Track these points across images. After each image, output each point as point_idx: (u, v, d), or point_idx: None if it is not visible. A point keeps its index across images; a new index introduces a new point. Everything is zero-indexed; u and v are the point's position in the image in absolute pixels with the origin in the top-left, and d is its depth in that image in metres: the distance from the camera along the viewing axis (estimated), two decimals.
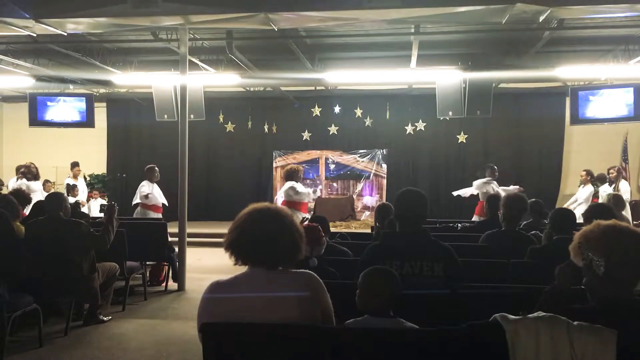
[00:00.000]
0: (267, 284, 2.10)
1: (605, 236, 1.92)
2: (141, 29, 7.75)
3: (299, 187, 7.63)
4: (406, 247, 2.92)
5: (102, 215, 6.09)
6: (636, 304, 1.90)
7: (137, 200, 8.37)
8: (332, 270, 3.40)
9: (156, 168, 8.49)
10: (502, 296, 2.94)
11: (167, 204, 8.55)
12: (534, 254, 3.80)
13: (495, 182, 8.53)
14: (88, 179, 12.80)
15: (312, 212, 9.44)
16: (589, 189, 9.39)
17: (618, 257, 1.88)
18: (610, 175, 9.17)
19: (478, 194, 8.66)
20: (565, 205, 9.20)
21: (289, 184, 7.66)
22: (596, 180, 9.64)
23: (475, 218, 8.13)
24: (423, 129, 13.02)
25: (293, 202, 7.49)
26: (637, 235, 1.92)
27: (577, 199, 9.42)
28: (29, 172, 9.17)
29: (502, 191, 7.74)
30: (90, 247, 5.00)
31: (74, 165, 10.58)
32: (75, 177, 10.52)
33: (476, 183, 8.72)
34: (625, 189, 9.05)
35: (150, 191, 8.30)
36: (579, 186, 9.99)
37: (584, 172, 9.53)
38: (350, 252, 4.20)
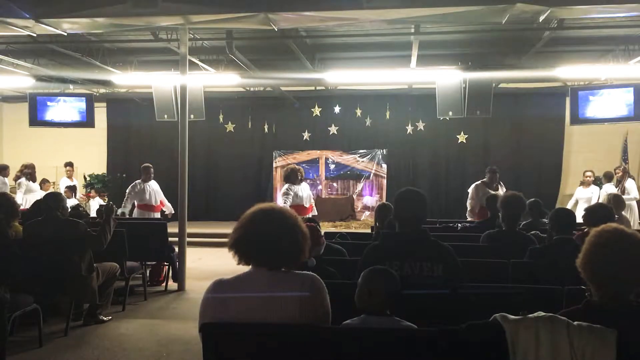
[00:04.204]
0: (269, 284, 2.11)
1: (590, 242, 1.95)
2: (141, 29, 7.74)
3: (284, 193, 7.59)
4: (406, 248, 2.92)
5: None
6: (636, 304, 1.91)
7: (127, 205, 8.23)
8: (332, 270, 3.40)
9: (152, 168, 8.37)
10: (502, 296, 2.94)
11: (165, 202, 8.49)
12: (534, 254, 3.80)
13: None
14: (88, 178, 12.82)
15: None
16: (592, 188, 9.36)
17: (606, 259, 1.89)
18: (617, 174, 9.16)
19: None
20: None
21: (283, 187, 7.70)
22: (600, 179, 9.62)
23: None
24: (423, 129, 13.00)
25: (295, 205, 7.48)
26: (625, 238, 1.92)
27: (592, 198, 9.37)
28: (32, 172, 9.15)
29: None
30: (87, 246, 4.99)
31: (66, 165, 10.59)
32: (69, 177, 10.53)
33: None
34: (632, 188, 9.03)
35: (138, 190, 8.17)
36: (580, 187, 9.96)
37: (590, 173, 9.50)
38: (345, 250, 4.20)
